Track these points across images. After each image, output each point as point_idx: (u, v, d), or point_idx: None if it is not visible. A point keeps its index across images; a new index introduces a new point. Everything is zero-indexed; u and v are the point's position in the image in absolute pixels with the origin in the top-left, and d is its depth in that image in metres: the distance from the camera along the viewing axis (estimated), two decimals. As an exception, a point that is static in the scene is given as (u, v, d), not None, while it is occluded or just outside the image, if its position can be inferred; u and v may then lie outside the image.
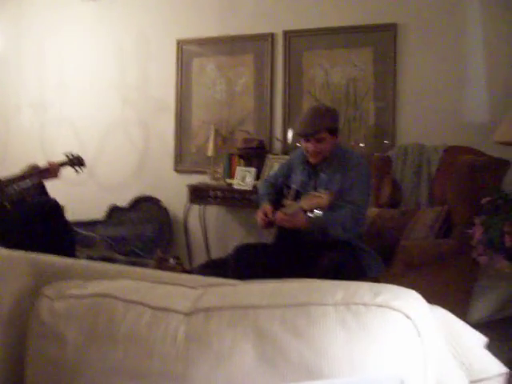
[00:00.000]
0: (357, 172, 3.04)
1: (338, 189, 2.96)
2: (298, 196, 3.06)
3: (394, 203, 3.83)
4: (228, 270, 3.08)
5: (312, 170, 3.15)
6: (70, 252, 3.54)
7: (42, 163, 3.89)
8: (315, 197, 2.75)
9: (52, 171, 3.78)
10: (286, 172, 3.34)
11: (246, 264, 2.97)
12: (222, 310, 0.99)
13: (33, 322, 1.14)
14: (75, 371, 1.04)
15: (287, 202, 3.08)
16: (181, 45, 5.15)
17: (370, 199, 3.31)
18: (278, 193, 3.28)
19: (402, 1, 4.32)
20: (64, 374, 1.05)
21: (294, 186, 3.16)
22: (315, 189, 3.05)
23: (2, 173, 3.79)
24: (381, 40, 4.38)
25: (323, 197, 2.71)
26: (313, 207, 2.74)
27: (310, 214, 2.76)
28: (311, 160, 3.12)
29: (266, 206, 3.12)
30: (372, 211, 3.57)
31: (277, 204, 3.13)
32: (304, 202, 2.80)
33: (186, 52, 5.14)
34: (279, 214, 2.94)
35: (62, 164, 3.89)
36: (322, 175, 3.10)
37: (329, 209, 2.75)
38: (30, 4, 5.88)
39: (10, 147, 5.90)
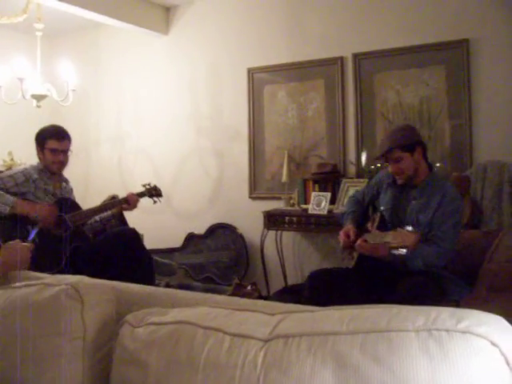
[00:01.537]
0: (451, 207, 2.89)
1: (428, 220, 2.87)
2: (383, 223, 2.99)
3: (473, 224, 3.70)
4: (303, 296, 3.05)
5: (403, 195, 3.06)
6: (149, 280, 3.61)
7: (121, 194, 4.02)
8: (403, 235, 2.64)
9: (131, 202, 3.90)
10: (375, 191, 3.25)
11: (322, 290, 2.94)
12: (301, 337, 0.98)
13: (116, 348, 1.17)
14: (157, 397, 1.06)
15: (371, 228, 3.01)
16: (251, 73, 5.23)
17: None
18: (364, 212, 3.23)
19: (472, 16, 4.21)
20: (147, 400, 1.08)
21: (381, 210, 3.08)
22: (404, 216, 2.97)
23: (84, 204, 3.94)
24: (453, 57, 4.29)
25: (412, 237, 2.61)
26: (399, 245, 2.65)
27: (394, 251, 2.68)
28: (398, 180, 3.05)
29: (351, 228, 3.08)
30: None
31: (361, 224, 3.08)
32: (391, 238, 2.69)
33: (257, 80, 5.22)
34: (361, 242, 2.89)
35: (141, 195, 4.01)
36: (414, 202, 2.99)
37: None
38: (107, 42, 6.16)
39: (91, 179, 6.14)
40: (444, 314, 0.96)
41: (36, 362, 1.21)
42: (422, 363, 0.89)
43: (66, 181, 3.87)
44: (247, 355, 1.00)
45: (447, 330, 0.91)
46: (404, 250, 2.63)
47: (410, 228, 2.66)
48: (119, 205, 3.89)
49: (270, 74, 5.15)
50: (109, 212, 3.88)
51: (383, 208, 3.08)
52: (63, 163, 3.74)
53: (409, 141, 2.98)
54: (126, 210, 3.92)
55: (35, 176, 3.59)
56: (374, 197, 3.23)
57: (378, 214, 3.05)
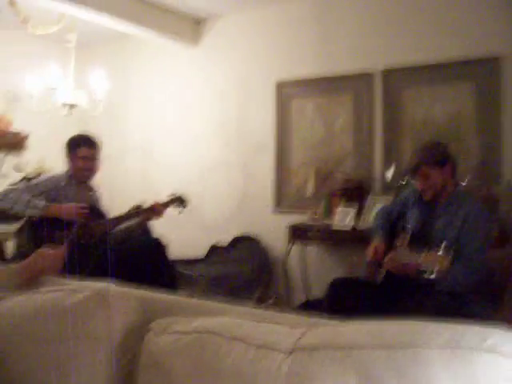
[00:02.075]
0: (478, 223, 2.87)
1: (455, 237, 2.84)
2: (412, 240, 2.96)
3: (501, 244, 3.65)
4: (324, 304, 3.04)
5: (430, 211, 3.04)
6: (171, 290, 3.62)
7: (145, 204, 4.06)
8: (437, 258, 2.61)
9: (157, 211, 3.93)
10: (400, 209, 3.24)
11: (343, 299, 2.93)
12: (325, 349, 0.98)
13: (141, 355, 1.18)
14: (181, 405, 1.07)
15: (401, 245, 2.98)
16: (279, 86, 5.26)
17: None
18: (392, 226, 3.21)
19: (503, 33, 4.18)
20: (170, 407, 1.08)
21: (409, 228, 3.06)
22: (431, 234, 2.95)
23: (110, 213, 3.97)
24: (483, 74, 4.26)
25: (443, 261, 2.58)
26: (431, 268, 2.61)
27: (425, 274, 2.64)
28: (424, 197, 3.03)
29: (379, 245, 3.06)
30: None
31: (390, 240, 3.06)
32: (422, 259, 2.67)
33: (285, 93, 5.24)
34: (390, 259, 2.87)
35: (166, 205, 4.04)
36: (441, 220, 2.97)
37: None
38: (137, 53, 6.25)
39: (116, 188, 6.19)
40: (470, 332, 0.95)
41: (62, 367, 1.23)
42: (445, 381, 0.88)
43: (93, 189, 3.92)
44: (271, 366, 1.00)
45: (472, 348, 0.90)
46: (433, 276, 2.59)
47: (441, 252, 2.62)
48: (145, 213, 3.92)
49: (298, 88, 5.17)
50: (133, 221, 3.92)
51: (410, 225, 3.06)
52: (93, 171, 3.80)
53: (439, 157, 2.97)
54: (151, 219, 3.95)
55: (63, 184, 3.65)
56: (401, 214, 3.21)
57: (408, 232, 3.03)
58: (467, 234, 2.82)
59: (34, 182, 3.79)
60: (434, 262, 2.58)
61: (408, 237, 2.98)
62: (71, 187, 3.69)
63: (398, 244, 3.00)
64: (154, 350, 1.16)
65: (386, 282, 3.01)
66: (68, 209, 3.48)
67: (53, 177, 3.74)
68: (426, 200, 3.02)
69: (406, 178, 3.07)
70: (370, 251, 3.06)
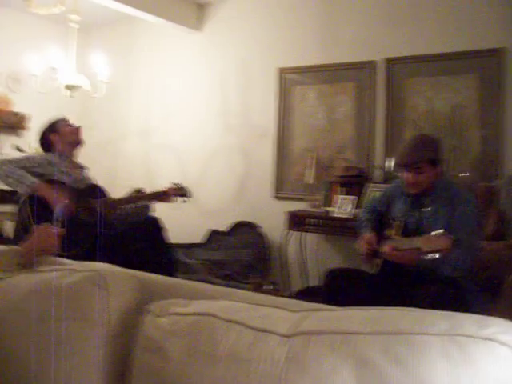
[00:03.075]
0: (466, 208, 2.86)
1: (444, 225, 2.83)
2: (405, 230, 2.97)
3: (499, 236, 3.66)
4: (320, 294, 3.05)
5: (414, 203, 3.03)
6: (168, 271, 3.64)
7: (147, 188, 4.07)
8: (435, 239, 2.62)
9: (169, 195, 3.99)
10: (387, 201, 3.25)
11: (339, 289, 2.94)
12: (323, 335, 0.99)
13: (139, 337, 1.19)
14: (177, 385, 1.07)
15: (395, 235, 2.98)
16: (282, 73, 5.24)
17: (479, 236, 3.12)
18: (379, 221, 3.21)
19: (507, 24, 4.16)
20: (167, 388, 1.09)
21: (400, 218, 3.06)
22: (418, 223, 2.95)
23: (110, 194, 3.98)
24: (486, 66, 4.24)
25: (445, 241, 2.58)
26: (432, 250, 2.61)
27: (427, 256, 2.64)
28: (410, 191, 3.02)
29: (371, 236, 3.06)
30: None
31: (378, 233, 3.07)
32: (421, 243, 2.68)
33: (287, 80, 5.22)
34: (388, 247, 2.87)
35: (178, 191, 4.07)
36: (426, 210, 2.97)
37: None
38: (140, 36, 6.22)
39: (117, 172, 6.20)
40: (468, 320, 0.95)
41: (57, 347, 1.23)
42: (443, 368, 0.88)
43: (84, 167, 3.94)
44: (269, 350, 1.00)
45: (469, 336, 0.91)
46: (437, 255, 2.59)
47: (441, 231, 2.62)
48: (157, 196, 3.96)
49: (301, 75, 5.15)
50: (143, 202, 3.95)
51: (397, 217, 3.06)
52: (81, 133, 3.86)
53: (439, 155, 2.97)
54: (163, 201, 4.00)
55: (56, 160, 3.67)
56: (388, 206, 3.21)
57: (401, 221, 3.03)
58: (457, 220, 2.82)
59: (27, 156, 3.82)
60: (434, 243, 2.58)
61: (401, 225, 2.99)
62: (63, 164, 3.71)
63: (390, 234, 2.99)
64: (151, 332, 1.16)
65: (383, 271, 3.02)
66: (55, 199, 3.46)
67: (46, 154, 3.76)
68: (413, 193, 3.02)
69: (400, 169, 3.04)
70: (361, 244, 3.06)
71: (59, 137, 3.78)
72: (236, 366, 1.01)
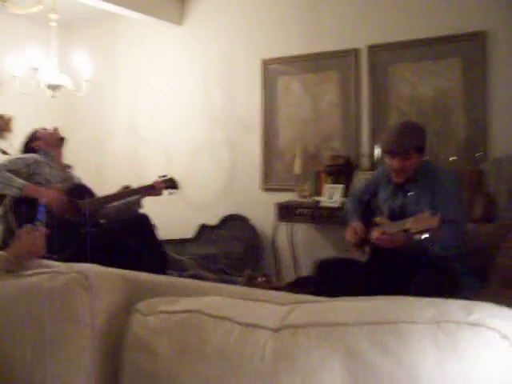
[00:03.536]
0: (448, 187, 2.90)
1: (429, 207, 2.84)
2: (392, 214, 2.97)
3: (487, 219, 3.67)
4: (311, 285, 3.05)
5: (399, 188, 3.04)
6: (160, 267, 3.64)
7: (134, 184, 4.06)
8: (425, 219, 2.62)
9: (157, 189, 3.98)
10: (372, 189, 3.25)
11: (330, 279, 2.94)
12: (310, 327, 0.98)
13: (127, 336, 1.18)
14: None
15: (381, 220, 2.99)
16: (265, 64, 5.22)
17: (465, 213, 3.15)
18: (365, 210, 3.21)
19: (489, 7, 4.16)
20: (157, 387, 1.09)
21: (386, 205, 3.07)
22: (403, 208, 2.96)
23: (98, 193, 3.97)
24: (469, 49, 4.24)
25: (434, 219, 2.59)
26: (422, 229, 2.62)
27: (417, 236, 2.64)
28: (394, 178, 3.02)
29: (358, 225, 3.06)
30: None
31: (365, 222, 3.07)
32: (410, 224, 2.66)
33: (271, 71, 5.20)
34: (377, 233, 2.87)
35: (165, 183, 4.07)
36: (410, 194, 2.98)
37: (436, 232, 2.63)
38: (122, 33, 6.17)
39: (104, 169, 6.17)
40: (454, 306, 0.95)
41: (46, 349, 1.23)
42: (430, 355, 0.88)
43: (69, 167, 3.94)
44: (256, 345, 1.00)
45: (457, 322, 0.91)
46: (426, 235, 2.59)
47: (428, 212, 2.63)
48: (145, 190, 3.95)
49: (284, 66, 5.13)
50: (135, 197, 3.95)
51: (383, 204, 3.07)
52: (60, 134, 3.94)
53: (425, 142, 2.98)
54: (152, 195, 4.01)
55: (41, 159, 3.68)
56: (373, 194, 3.21)
57: (385, 209, 3.04)
58: (444, 199, 2.83)
59: (15, 156, 3.82)
60: (423, 222, 2.58)
61: (387, 211, 2.99)
62: (48, 163, 3.72)
63: (377, 221, 3.00)
64: (140, 331, 1.16)
65: (373, 259, 3.02)
66: (47, 193, 3.46)
67: (30, 155, 3.76)
68: (395, 181, 3.03)
69: (386, 155, 3.03)
70: (349, 233, 3.06)
71: (42, 141, 3.82)
72: (225, 363, 1.01)
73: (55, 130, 3.95)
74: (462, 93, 4.30)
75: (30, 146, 3.87)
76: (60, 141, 3.90)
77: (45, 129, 3.95)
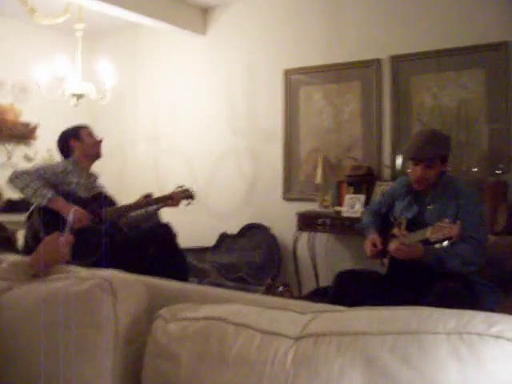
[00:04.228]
0: (471, 203, 2.84)
1: (452, 220, 2.82)
2: (410, 226, 2.95)
3: (509, 231, 3.63)
4: (329, 297, 3.04)
5: (418, 200, 3.01)
6: (182, 276, 3.65)
7: (155, 193, 4.09)
8: (444, 227, 2.59)
9: (175, 199, 3.99)
10: (389, 201, 3.22)
11: (348, 291, 2.92)
12: (331, 336, 0.99)
13: (149, 342, 1.19)
14: (189, 390, 1.08)
15: (399, 231, 2.96)
16: (287, 74, 5.23)
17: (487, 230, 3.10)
18: (383, 222, 3.19)
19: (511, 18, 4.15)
20: (178, 393, 1.09)
21: (404, 216, 3.04)
22: (421, 220, 2.93)
23: (120, 201, 4.00)
24: (492, 59, 4.20)
25: (454, 228, 2.56)
26: (441, 238, 2.59)
27: (437, 245, 2.61)
28: (415, 186, 2.99)
29: (375, 236, 3.04)
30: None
31: (383, 233, 3.05)
32: (429, 233, 2.63)
33: (293, 81, 5.21)
34: (395, 245, 2.85)
35: (183, 194, 4.08)
36: (431, 206, 2.94)
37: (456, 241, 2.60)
38: (145, 43, 6.24)
39: (126, 178, 6.23)
40: (476, 318, 0.95)
41: (70, 354, 1.24)
42: (452, 367, 0.88)
43: (96, 176, 3.95)
44: (277, 353, 1.01)
45: (479, 334, 0.90)
46: (446, 242, 2.57)
47: (447, 220, 2.60)
48: (163, 201, 3.97)
49: (306, 76, 5.14)
50: (150, 208, 3.97)
51: (400, 216, 3.04)
52: (101, 145, 3.86)
53: (449, 152, 2.96)
54: (170, 206, 4.01)
55: (69, 169, 3.69)
56: (390, 207, 3.19)
57: (404, 219, 3.01)
58: (465, 216, 2.79)
59: (46, 164, 3.83)
60: (442, 231, 2.56)
61: (405, 223, 2.96)
62: (77, 172, 3.72)
63: (395, 232, 2.97)
64: (162, 338, 1.17)
65: (391, 271, 3.00)
66: (71, 211, 3.46)
67: (59, 163, 3.78)
68: (417, 189, 3.00)
69: (411, 162, 3.00)
70: (367, 246, 3.04)
71: (80, 145, 3.78)
72: (245, 370, 1.02)
73: (100, 142, 3.87)
74: (484, 103, 4.27)
75: (68, 140, 3.80)
76: (96, 157, 3.86)
77: (90, 132, 3.87)
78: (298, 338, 1.01)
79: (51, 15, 4.23)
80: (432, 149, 2.89)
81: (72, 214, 3.29)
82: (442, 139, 2.98)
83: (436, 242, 2.60)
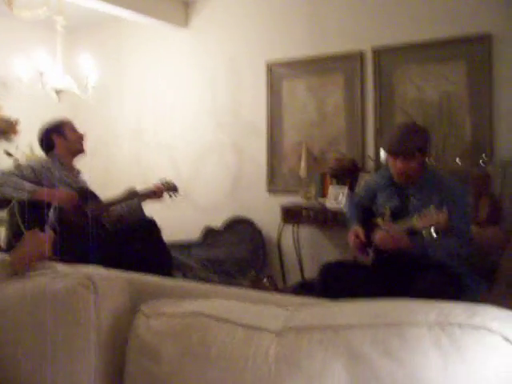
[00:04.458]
0: (456, 194, 2.86)
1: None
2: (394, 217, 2.95)
3: (492, 222, 3.66)
4: (315, 289, 3.04)
5: (401, 193, 3.02)
6: (166, 271, 3.64)
7: (139, 187, 4.06)
8: (432, 215, 2.59)
9: (158, 193, 4.00)
10: (371, 193, 3.22)
11: (334, 283, 2.93)
12: (313, 330, 0.98)
13: (131, 338, 1.18)
14: (171, 387, 1.07)
15: (383, 222, 2.96)
16: (270, 67, 5.22)
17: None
18: (366, 213, 3.19)
19: (495, 10, 4.14)
20: (161, 389, 1.09)
21: (388, 206, 3.04)
22: (405, 211, 2.93)
23: (104, 196, 3.97)
24: (475, 52, 4.22)
25: (440, 215, 2.56)
26: (428, 225, 2.58)
27: (424, 233, 2.60)
28: (397, 179, 3.01)
29: (357, 228, 3.04)
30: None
31: (367, 225, 3.05)
32: (415, 221, 2.65)
33: (276, 74, 5.20)
34: (380, 234, 2.87)
35: (166, 187, 4.07)
36: (413, 200, 2.95)
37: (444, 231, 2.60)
38: (127, 36, 6.19)
39: (110, 172, 6.19)
40: (457, 309, 0.95)
41: (50, 353, 1.23)
42: (433, 358, 0.88)
43: (79, 171, 3.92)
44: (259, 348, 1.00)
45: (460, 325, 0.90)
46: (433, 235, 2.55)
47: (433, 207, 2.60)
48: (146, 194, 3.96)
49: (290, 68, 5.13)
50: (128, 203, 3.94)
51: (383, 207, 3.05)
52: (84, 141, 3.83)
53: (428, 144, 2.97)
54: (154, 198, 4.02)
55: (50, 165, 3.65)
56: (372, 199, 3.19)
57: (387, 210, 3.01)
58: (448, 208, 2.79)
59: (23, 163, 3.79)
60: (429, 218, 2.56)
61: (389, 213, 2.96)
62: (58, 169, 3.68)
63: (378, 222, 2.97)
64: (143, 334, 1.16)
65: (377, 262, 3.01)
66: (58, 194, 3.46)
67: (41, 159, 3.74)
68: (399, 182, 3.01)
69: (388, 158, 3.00)
70: (350, 237, 3.04)
71: (63, 141, 3.75)
72: (228, 365, 1.01)
73: (82, 136, 3.84)
74: (467, 95, 4.29)
75: (50, 135, 3.76)
76: (79, 152, 3.82)
77: (73, 127, 3.83)
78: (280, 333, 1.01)
79: (29, 7, 4.16)
80: (409, 142, 2.89)
81: (59, 198, 3.28)
82: (418, 132, 2.99)
83: (422, 229, 2.59)
